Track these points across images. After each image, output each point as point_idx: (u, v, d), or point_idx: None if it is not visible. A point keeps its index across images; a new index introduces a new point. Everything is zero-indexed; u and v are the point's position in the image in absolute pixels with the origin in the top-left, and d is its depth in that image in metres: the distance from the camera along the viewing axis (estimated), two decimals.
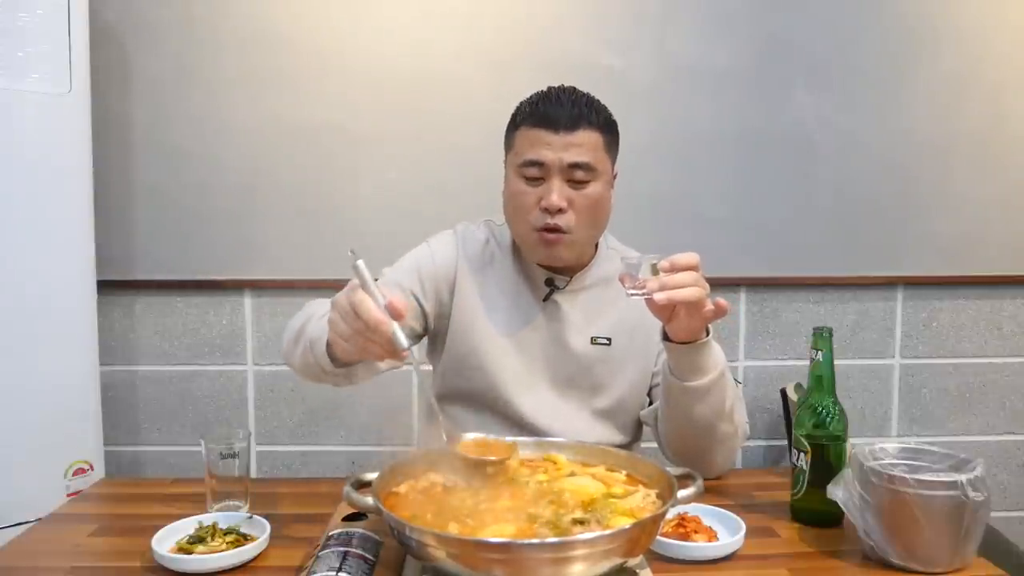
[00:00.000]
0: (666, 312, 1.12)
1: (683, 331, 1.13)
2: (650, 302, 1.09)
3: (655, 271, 1.07)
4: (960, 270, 2.20)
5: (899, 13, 2.13)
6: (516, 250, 1.38)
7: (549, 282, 1.34)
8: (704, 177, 2.14)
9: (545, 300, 1.35)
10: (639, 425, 1.42)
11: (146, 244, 2.10)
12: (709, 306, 1.10)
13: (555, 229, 1.25)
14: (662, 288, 1.05)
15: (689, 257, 1.07)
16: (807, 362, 1.18)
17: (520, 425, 1.33)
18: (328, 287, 2.08)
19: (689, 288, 1.06)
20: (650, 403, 1.37)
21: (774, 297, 2.21)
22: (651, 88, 2.11)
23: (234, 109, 2.07)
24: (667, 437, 1.28)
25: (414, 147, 2.09)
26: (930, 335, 2.25)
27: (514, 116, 1.32)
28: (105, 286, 1.97)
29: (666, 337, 1.17)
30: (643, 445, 1.44)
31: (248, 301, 2.15)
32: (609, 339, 1.34)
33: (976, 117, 2.16)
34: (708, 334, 1.17)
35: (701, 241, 2.10)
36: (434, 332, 1.40)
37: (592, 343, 1.34)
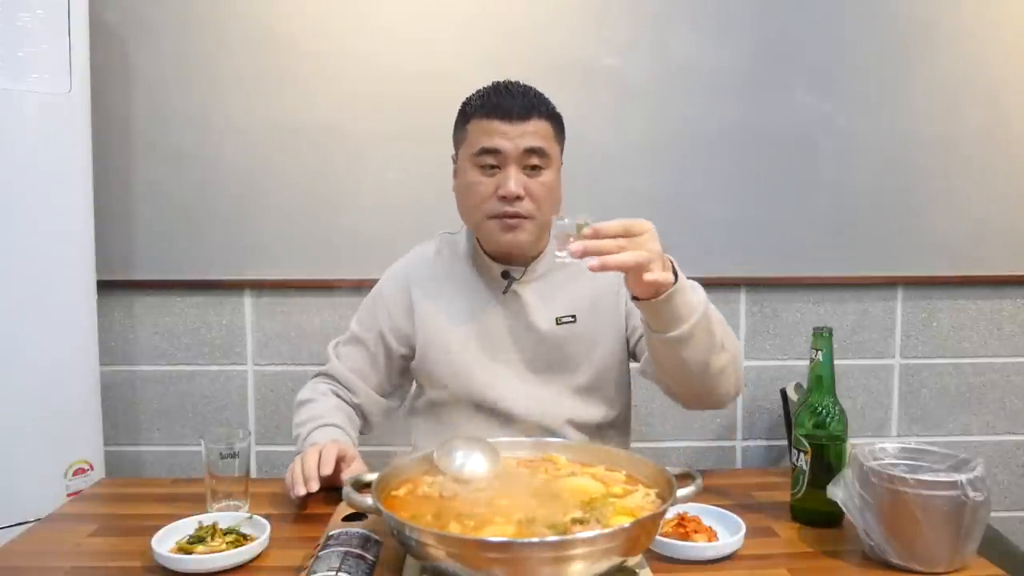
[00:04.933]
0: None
1: (641, 290, 1.06)
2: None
3: (580, 233, 1.00)
4: (960, 270, 2.20)
5: (899, 13, 2.13)
6: (469, 252, 1.42)
7: (505, 275, 1.37)
8: (704, 177, 2.14)
9: (504, 292, 1.38)
10: (626, 394, 1.45)
11: (146, 244, 2.10)
12: (651, 273, 1.02)
13: (515, 215, 1.28)
14: (586, 252, 0.98)
15: (615, 226, 1.00)
16: (807, 362, 1.18)
17: (507, 419, 1.36)
18: (328, 287, 2.12)
19: (622, 254, 0.99)
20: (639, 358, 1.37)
21: (774, 297, 2.21)
22: (651, 88, 2.11)
23: (234, 109, 2.07)
24: (667, 386, 1.25)
25: (414, 147, 2.09)
26: (930, 335, 2.25)
27: (463, 111, 1.36)
28: (105, 286, 1.97)
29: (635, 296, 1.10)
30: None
31: (248, 301, 2.15)
32: (574, 316, 1.37)
33: (976, 117, 2.16)
34: (677, 280, 1.07)
35: (701, 241, 2.12)
36: (410, 357, 1.45)
37: (558, 323, 1.37)
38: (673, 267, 1.09)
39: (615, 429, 1.44)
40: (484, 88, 1.35)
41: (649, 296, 1.07)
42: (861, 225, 2.17)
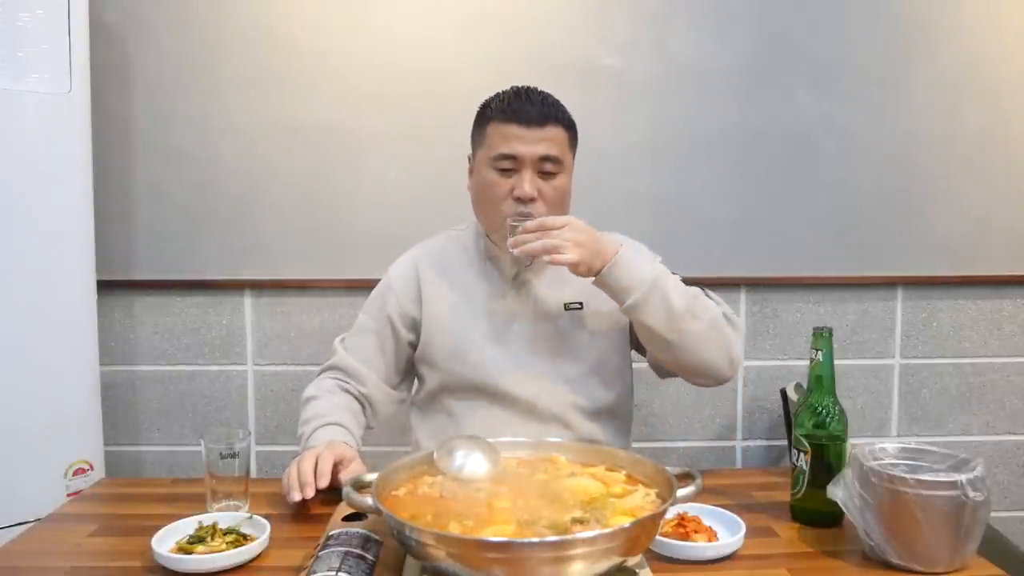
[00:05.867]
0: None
1: (575, 272, 1.25)
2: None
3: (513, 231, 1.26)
4: (960, 270, 2.20)
5: (899, 13, 2.13)
6: (479, 243, 1.46)
7: (516, 262, 1.40)
8: (704, 177, 2.14)
9: (515, 278, 1.42)
10: (627, 379, 1.48)
11: (146, 244, 2.10)
12: (550, 255, 1.21)
13: (528, 216, 1.32)
14: (514, 244, 1.24)
15: (533, 223, 1.24)
16: (807, 362, 1.18)
17: (510, 403, 1.38)
18: (328, 287, 2.12)
19: (534, 243, 1.22)
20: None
21: (774, 297, 2.21)
22: (651, 88, 2.11)
23: (234, 109, 2.07)
24: (660, 360, 1.35)
25: (414, 147, 2.09)
26: (930, 335, 2.25)
27: (483, 113, 1.41)
28: (105, 286, 1.97)
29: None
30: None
31: (248, 301, 2.15)
32: (581, 303, 1.42)
33: (976, 117, 2.16)
34: (614, 257, 1.24)
35: (701, 241, 2.12)
36: (417, 344, 1.47)
37: (566, 309, 1.41)
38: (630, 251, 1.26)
39: (617, 414, 1.46)
40: (504, 92, 1.39)
41: (585, 275, 1.25)
42: (861, 225, 2.17)
